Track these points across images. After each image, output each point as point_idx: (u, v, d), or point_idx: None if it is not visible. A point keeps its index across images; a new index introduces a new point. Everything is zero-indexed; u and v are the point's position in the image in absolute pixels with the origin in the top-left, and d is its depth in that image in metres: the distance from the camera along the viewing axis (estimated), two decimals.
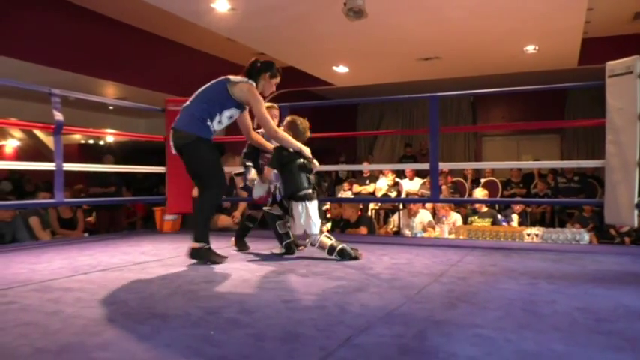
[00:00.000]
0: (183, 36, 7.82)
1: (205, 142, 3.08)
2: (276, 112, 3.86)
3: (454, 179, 8.71)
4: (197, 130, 3.05)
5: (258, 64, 3.29)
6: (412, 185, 8.21)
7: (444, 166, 5.78)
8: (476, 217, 6.02)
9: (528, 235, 4.70)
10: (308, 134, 3.47)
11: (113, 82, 7.33)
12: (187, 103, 3.19)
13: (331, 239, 3.25)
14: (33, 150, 12.21)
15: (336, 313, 1.91)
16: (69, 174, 4.31)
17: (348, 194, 8.48)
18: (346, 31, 6.52)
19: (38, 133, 11.62)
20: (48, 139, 11.30)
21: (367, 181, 8.69)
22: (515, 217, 6.69)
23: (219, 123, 3.15)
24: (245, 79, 3.20)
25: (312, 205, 3.23)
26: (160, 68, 7.72)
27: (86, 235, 6.44)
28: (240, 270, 2.85)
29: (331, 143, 12.45)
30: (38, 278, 2.61)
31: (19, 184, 9.65)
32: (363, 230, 5.64)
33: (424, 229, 6.06)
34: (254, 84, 3.22)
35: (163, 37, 7.77)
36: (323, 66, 8.54)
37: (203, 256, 3.04)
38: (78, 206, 6.65)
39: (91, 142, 13.16)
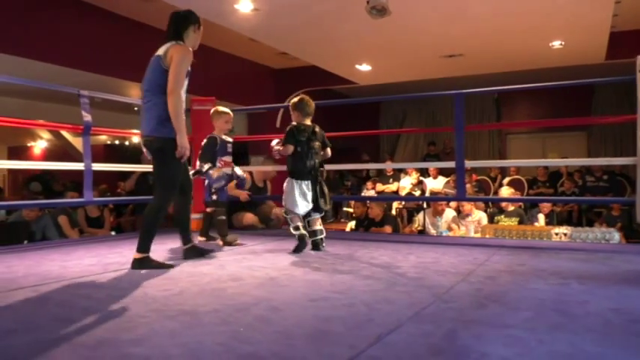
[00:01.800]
0: (206, 37, 7.83)
1: (172, 143, 2.89)
2: (229, 119, 4.10)
3: (479, 177, 8.61)
4: (168, 132, 2.88)
5: (181, 21, 3.04)
6: (436, 184, 8.15)
7: (469, 164, 5.71)
8: (502, 216, 5.94)
9: (556, 234, 4.62)
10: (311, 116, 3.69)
11: (138, 83, 7.42)
12: (144, 101, 2.99)
13: (299, 229, 3.49)
14: (60, 150, 12.48)
15: (365, 312, 1.91)
16: (95, 173, 4.38)
17: (372, 193, 8.45)
18: (369, 30, 6.49)
19: (65, 133, 11.86)
20: (74, 140, 11.53)
21: (390, 180, 8.65)
22: (541, 217, 6.58)
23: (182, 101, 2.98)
24: (169, 44, 2.95)
25: (301, 185, 3.50)
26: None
27: (113, 233, 6.55)
28: (266, 268, 2.86)
29: (354, 142, 12.44)
30: (70, 275, 2.67)
31: (48, 184, 9.86)
32: (388, 229, 5.62)
33: (449, 228, 6.00)
34: (182, 43, 2.99)
35: None
36: (345, 65, 8.52)
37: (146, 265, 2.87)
38: (104, 205, 6.77)
39: (117, 142, 13.38)
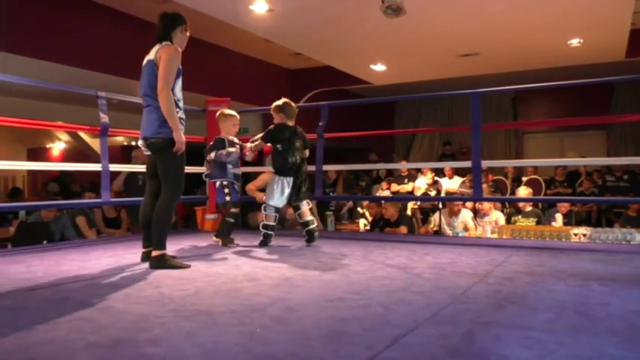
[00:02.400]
0: (221, 38, 7.93)
1: (173, 142, 2.99)
2: (236, 121, 4.10)
3: (495, 177, 8.52)
4: (169, 132, 2.96)
5: (170, 22, 3.09)
6: (451, 184, 8.07)
7: (486, 164, 5.65)
8: (519, 217, 5.87)
9: (575, 234, 4.54)
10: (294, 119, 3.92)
11: None
12: (143, 105, 3.08)
13: (268, 228, 3.80)
14: (78, 152, 12.64)
15: (381, 313, 1.89)
16: (112, 174, 4.42)
17: (386, 193, 8.41)
18: (384, 29, 6.46)
19: (83, 135, 12.01)
20: (92, 141, 11.66)
21: (405, 180, 8.60)
22: (559, 217, 6.48)
23: (179, 100, 3.07)
24: (158, 46, 3.02)
25: (283, 182, 3.78)
26: (199, 70, 7.84)
27: (129, 233, 6.61)
28: (281, 268, 2.86)
29: (369, 142, 12.41)
30: (88, 275, 2.70)
31: (66, 184, 10.00)
32: (403, 229, 5.59)
33: (466, 229, 5.94)
34: (169, 43, 3.05)
35: (202, 40, 7.89)
36: (360, 65, 8.50)
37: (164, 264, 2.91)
38: (122, 206, 6.82)
39: (133, 143, 13.51)
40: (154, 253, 2.94)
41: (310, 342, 1.57)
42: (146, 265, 2.98)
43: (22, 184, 12.83)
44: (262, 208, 3.89)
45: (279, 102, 3.93)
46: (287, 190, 3.81)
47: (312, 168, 4.84)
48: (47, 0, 6.04)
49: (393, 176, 9.29)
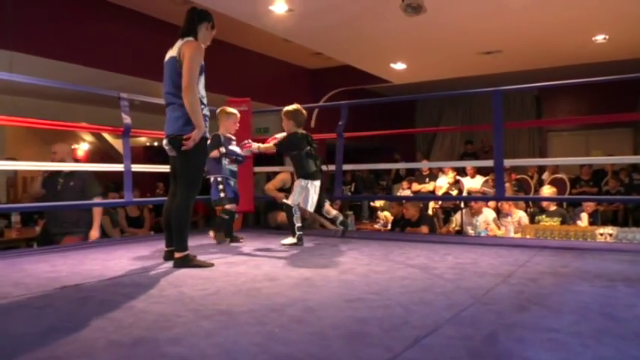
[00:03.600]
0: (241, 38, 7.97)
1: (205, 141, 3.03)
2: (237, 119, 4.11)
3: (518, 176, 8.39)
4: (191, 131, 2.92)
5: (196, 17, 3.05)
6: (473, 183, 7.98)
7: (508, 163, 5.57)
8: (543, 216, 5.76)
9: (601, 234, 4.44)
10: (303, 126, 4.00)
11: None
12: (166, 103, 3.04)
13: (300, 230, 3.85)
14: (102, 152, 12.84)
15: (401, 314, 1.87)
16: (135, 174, 4.47)
17: (407, 193, 8.36)
18: (404, 28, 6.42)
19: (106, 135, 12.19)
20: (115, 142, 11.84)
21: (427, 179, 8.53)
22: (584, 216, 6.35)
23: (203, 97, 3.05)
24: (180, 42, 2.98)
25: (315, 186, 3.85)
26: (219, 70, 7.88)
27: (152, 233, 6.70)
28: (301, 268, 2.86)
29: (389, 141, 12.35)
30: (111, 274, 2.73)
31: None
32: (424, 229, 5.54)
33: (488, 228, 5.87)
34: (192, 39, 2.99)
35: (222, 41, 7.94)
36: (380, 63, 8.46)
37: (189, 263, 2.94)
38: (144, 205, 6.92)
39: (156, 144, 13.68)
40: (177, 255, 2.95)
41: (329, 342, 1.56)
42: (168, 264, 3.01)
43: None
44: (292, 210, 3.84)
45: (290, 108, 3.96)
46: (317, 194, 3.90)
47: (331, 167, 4.84)
48: (70, 4, 6.14)
49: (414, 175, 9.23)
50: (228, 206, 4.02)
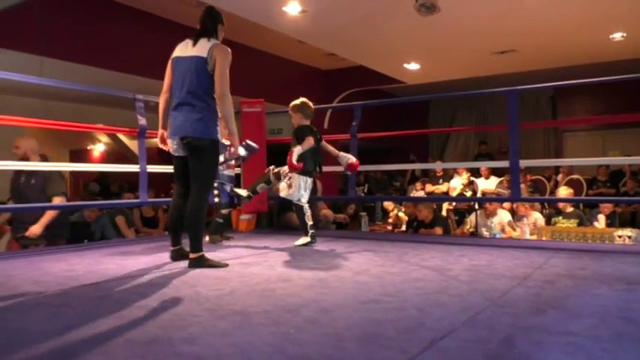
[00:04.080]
0: (254, 40, 8.00)
1: (217, 144, 3.01)
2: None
3: (533, 177, 8.31)
4: (213, 133, 2.96)
5: (215, 17, 3.06)
6: (488, 184, 7.92)
7: (523, 163, 5.51)
8: (560, 218, 5.69)
9: (620, 236, 4.38)
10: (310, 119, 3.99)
11: None
12: (184, 101, 2.94)
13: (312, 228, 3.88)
14: (117, 153, 12.96)
15: (416, 316, 1.86)
16: (150, 175, 4.51)
17: (421, 194, 8.31)
18: (417, 27, 6.39)
19: (122, 137, 12.31)
20: (130, 143, 11.95)
21: (440, 180, 8.48)
22: (602, 218, 6.26)
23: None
24: (210, 44, 2.95)
25: (307, 182, 3.85)
26: (233, 72, 7.92)
27: (166, 233, 6.74)
28: (316, 269, 2.85)
29: (402, 142, 12.29)
30: (126, 273, 2.75)
31: (105, 185, 10.27)
32: (438, 230, 5.51)
33: (503, 230, 5.81)
34: (219, 43, 3.00)
35: (236, 42, 7.97)
36: (394, 64, 8.43)
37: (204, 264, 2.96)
38: (159, 205, 6.97)
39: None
40: (192, 255, 2.95)
41: (344, 344, 1.56)
42: (182, 264, 3.02)
43: (65, 186, 13.25)
44: (302, 209, 3.87)
45: (297, 101, 3.97)
46: (309, 190, 3.91)
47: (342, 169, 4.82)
48: (86, 6, 6.21)
49: (427, 176, 9.18)
50: (223, 211, 4.17)
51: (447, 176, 8.58)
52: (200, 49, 2.95)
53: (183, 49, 3.03)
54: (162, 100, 3.18)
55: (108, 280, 2.57)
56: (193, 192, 2.99)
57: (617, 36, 6.98)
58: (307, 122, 3.93)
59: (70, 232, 4.61)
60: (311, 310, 1.95)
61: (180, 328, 1.73)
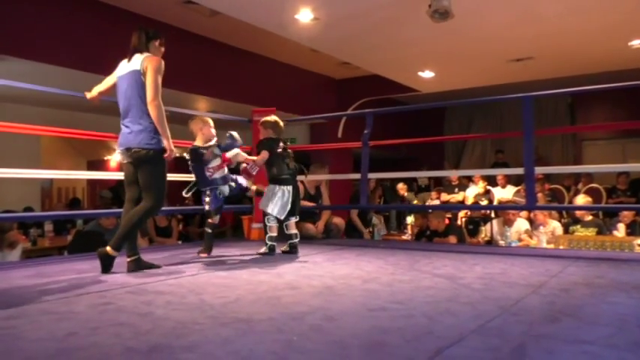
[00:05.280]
0: (267, 49, 8.03)
1: (162, 152, 3.07)
2: (211, 125, 3.94)
3: (552, 186, 8.15)
4: (156, 143, 3.04)
5: (148, 34, 3.20)
6: (504, 193, 7.79)
7: (539, 171, 5.39)
8: (578, 227, 5.55)
9: (639, 245, 4.25)
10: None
11: (206, 96, 7.71)
12: (128, 115, 3.11)
13: (273, 240, 3.82)
14: None
15: (425, 324, 1.80)
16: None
17: (436, 203, 8.21)
18: (431, 34, 6.34)
19: None
20: None
21: (456, 190, 8.36)
22: (621, 227, 6.10)
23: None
24: (141, 56, 3.10)
25: (284, 191, 3.76)
26: (246, 81, 7.96)
27: (179, 242, 6.74)
28: (323, 277, 2.81)
29: (416, 151, 12.19)
30: (134, 282, 2.74)
31: (118, 193, 10.35)
32: (452, 239, 5.42)
33: (519, 239, 5.69)
34: (150, 55, 3.14)
35: (248, 51, 8.03)
36: (407, 72, 8.37)
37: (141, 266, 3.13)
38: (172, 215, 6.98)
39: (185, 155, 13.87)
40: (130, 259, 3.09)
41: (348, 352, 1.51)
42: (192, 272, 3.01)
43: (81, 195, 13.42)
44: (266, 219, 3.85)
45: (270, 118, 4.01)
46: (289, 199, 3.78)
47: (357, 176, 4.77)
48: (99, 17, 6.29)
49: (442, 185, 9.07)
50: (210, 220, 3.90)
51: (463, 185, 8.46)
52: (134, 63, 3.10)
53: (123, 67, 3.19)
54: None
55: (114, 288, 2.55)
56: (144, 200, 3.10)
57: (636, 43, 6.84)
58: (273, 136, 3.92)
59: (84, 241, 4.63)
60: (317, 317, 1.90)
61: (181, 335, 1.70)
